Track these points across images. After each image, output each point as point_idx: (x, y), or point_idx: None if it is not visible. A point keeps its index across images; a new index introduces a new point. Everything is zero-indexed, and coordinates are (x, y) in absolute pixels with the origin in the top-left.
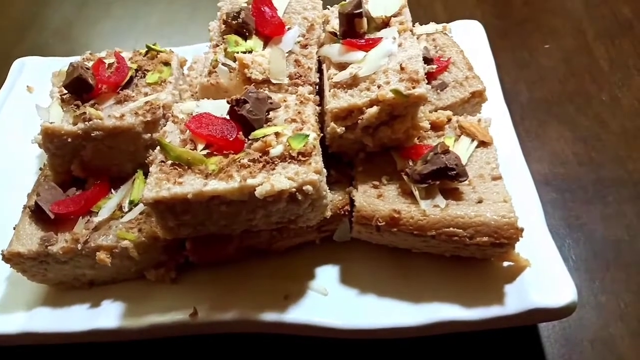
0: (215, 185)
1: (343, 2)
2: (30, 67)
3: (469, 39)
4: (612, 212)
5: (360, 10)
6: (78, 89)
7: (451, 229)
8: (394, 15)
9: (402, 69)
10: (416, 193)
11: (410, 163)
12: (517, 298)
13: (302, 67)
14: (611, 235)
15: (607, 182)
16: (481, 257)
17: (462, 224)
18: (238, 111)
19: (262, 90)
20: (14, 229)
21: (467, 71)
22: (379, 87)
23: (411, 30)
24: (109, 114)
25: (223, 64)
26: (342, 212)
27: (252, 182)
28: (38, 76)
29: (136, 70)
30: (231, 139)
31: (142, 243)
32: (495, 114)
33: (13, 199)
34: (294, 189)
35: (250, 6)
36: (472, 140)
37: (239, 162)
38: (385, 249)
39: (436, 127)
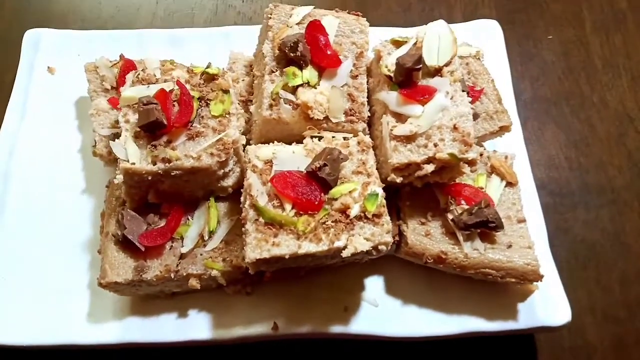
0: (308, 247)
1: (397, 38)
2: (46, 41)
3: (485, 40)
4: (592, 217)
5: (420, 65)
6: (152, 129)
7: (487, 269)
8: (446, 64)
9: (455, 128)
10: (460, 238)
11: (451, 200)
12: (527, 315)
13: (355, 102)
14: (589, 238)
15: (591, 187)
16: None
17: (496, 267)
18: (319, 174)
19: (335, 149)
20: (99, 252)
21: (497, 104)
22: (435, 145)
23: (461, 81)
24: (185, 154)
25: (285, 101)
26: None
27: (338, 244)
28: (55, 52)
29: (199, 99)
30: (316, 203)
31: (228, 271)
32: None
33: (53, 188)
34: (370, 248)
35: (303, 32)
36: (502, 180)
37: (324, 223)
38: (421, 265)
39: (471, 163)
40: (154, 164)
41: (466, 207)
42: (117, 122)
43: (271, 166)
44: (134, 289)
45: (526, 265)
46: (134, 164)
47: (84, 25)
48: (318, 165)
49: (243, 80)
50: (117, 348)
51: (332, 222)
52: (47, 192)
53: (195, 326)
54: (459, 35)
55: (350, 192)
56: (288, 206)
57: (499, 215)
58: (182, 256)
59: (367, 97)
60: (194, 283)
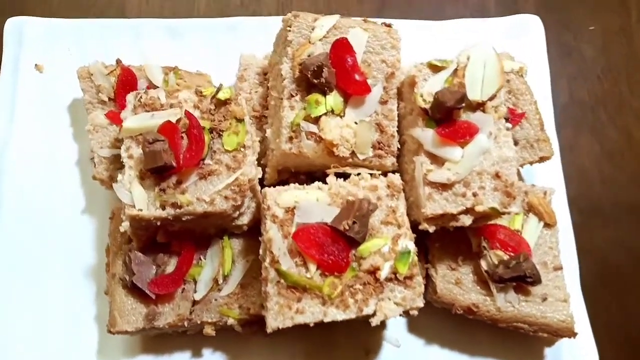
0: (334, 314)
1: (435, 62)
2: (31, 32)
3: (525, 38)
4: (620, 237)
5: (463, 105)
6: (160, 171)
7: (519, 323)
8: (490, 99)
9: (497, 175)
10: (494, 290)
11: (484, 243)
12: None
13: (385, 134)
14: (614, 260)
15: (622, 205)
16: None
17: (529, 322)
18: (347, 233)
19: (364, 202)
20: (106, 293)
21: (539, 130)
22: (474, 194)
23: (506, 119)
24: (197, 197)
25: (307, 134)
26: None
27: (367, 311)
28: (43, 46)
29: (210, 131)
30: (344, 263)
31: (244, 319)
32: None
33: (49, 209)
34: (400, 314)
35: (327, 50)
36: (539, 221)
37: (352, 287)
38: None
39: None
40: (163, 208)
41: (500, 252)
42: (117, 140)
43: (293, 215)
44: (145, 332)
45: (561, 322)
46: (141, 210)
47: (70, 11)
48: (347, 227)
49: (256, 91)
50: None
51: (361, 285)
52: (43, 214)
53: None
54: (495, 32)
55: (378, 250)
56: (312, 267)
57: (537, 270)
58: (195, 302)
59: (397, 125)
60: (209, 331)
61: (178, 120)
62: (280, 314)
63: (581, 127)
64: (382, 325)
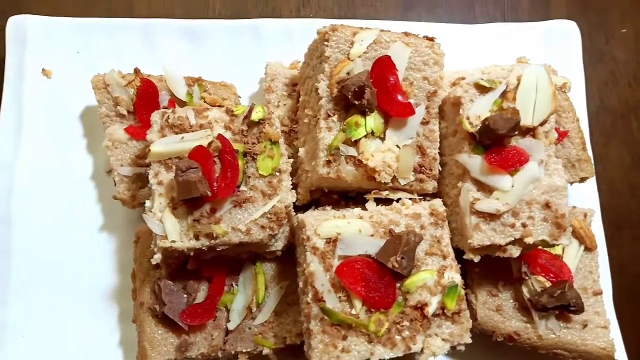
0: (381, 352)
1: (482, 83)
2: (35, 32)
3: (560, 44)
4: None
5: (516, 132)
6: (194, 199)
7: (560, 350)
8: (541, 124)
9: (547, 205)
10: (536, 318)
11: (525, 268)
12: None
13: (426, 157)
14: None
15: None
16: None
17: (569, 349)
18: (395, 270)
19: (410, 235)
20: (134, 321)
21: (580, 150)
22: (523, 225)
23: (559, 140)
24: (233, 227)
25: (346, 158)
26: None
27: (415, 348)
28: (48, 47)
29: (244, 155)
30: (390, 299)
31: (279, 348)
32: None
33: (65, 229)
34: (448, 350)
35: (368, 69)
36: (580, 245)
37: (398, 324)
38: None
39: None
40: (197, 238)
41: (541, 278)
42: (138, 157)
43: (334, 246)
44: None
45: (602, 349)
46: (174, 241)
47: (75, 8)
48: (396, 263)
49: (284, 104)
50: None
51: (407, 321)
52: (58, 234)
53: None
54: (529, 37)
55: (424, 284)
56: (358, 303)
57: (581, 299)
58: (227, 332)
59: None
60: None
61: (209, 143)
62: (325, 353)
63: (611, 136)
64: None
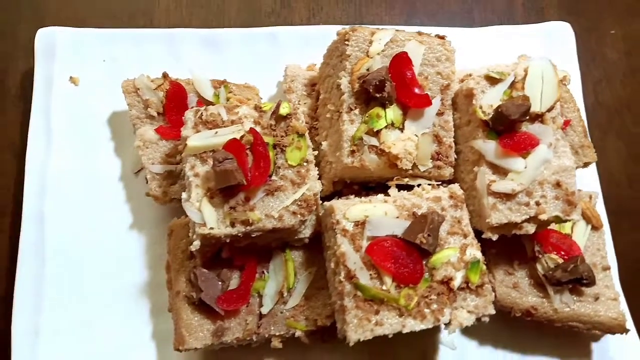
0: (412, 325)
1: (492, 74)
2: (63, 43)
3: (556, 45)
4: None
5: (527, 118)
6: (230, 189)
7: (574, 322)
8: (548, 110)
9: (558, 184)
10: (551, 293)
11: (537, 247)
12: (601, 356)
13: (442, 145)
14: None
15: None
16: None
17: (583, 320)
18: (423, 246)
19: (434, 215)
20: (169, 310)
21: (583, 137)
22: (537, 204)
23: (563, 128)
24: (266, 214)
25: (369, 148)
26: None
27: (443, 320)
28: (76, 57)
29: (274, 147)
30: (419, 275)
31: (310, 330)
32: None
33: (94, 228)
34: (474, 321)
35: (387, 64)
36: (587, 224)
37: (427, 297)
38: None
39: None
40: (233, 226)
41: (554, 255)
42: (168, 155)
43: (362, 229)
44: (211, 347)
45: (613, 319)
46: (212, 228)
47: (97, 19)
48: (424, 240)
49: (305, 103)
50: None
51: (435, 295)
52: (89, 232)
53: None
54: (526, 39)
55: (448, 260)
56: (388, 280)
57: (593, 272)
58: (261, 316)
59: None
60: (276, 344)
61: (241, 137)
62: (360, 327)
63: (607, 130)
64: (437, 329)
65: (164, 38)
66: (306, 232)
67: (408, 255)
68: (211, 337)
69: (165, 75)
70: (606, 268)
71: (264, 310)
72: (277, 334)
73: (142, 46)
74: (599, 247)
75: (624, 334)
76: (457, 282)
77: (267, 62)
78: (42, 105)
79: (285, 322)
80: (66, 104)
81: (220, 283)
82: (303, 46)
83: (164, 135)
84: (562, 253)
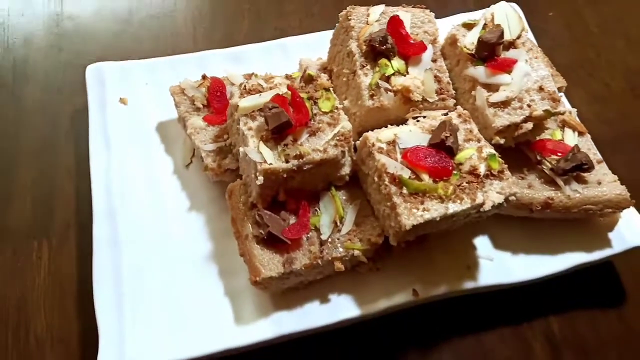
0: (454, 207)
1: (468, 21)
2: (110, 74)
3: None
4: (630, 160)
5: (503, 40)
6: (280, 130)
7: (588, 206)
8: (517, 37)
9: (541, 88)
10: (560, 183)
11: (538, 156)
12: (619, 241)
13: (442, 82)
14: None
15: (622, 135)
16: (592, 217)
17: (594, 202)
18: (446, 144)
19: (450, 121)
20: (241, 255)
21: (550, 68)
22: (528, 106)
23: (534, 48)
24: (313, 148)
25: (385, 89)
26: None
27: (479, 200)
28: (122, 84)
29: (308, 99)
30: (450, 169)
31: (367, 249)
32: None
33: (159, 213)
34: (503, 200)
35: (384, 27)
36: (574, 131)
37: (459, 186)
38: (514, 218)
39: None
40: (287, 161)
41: (554, 157)
42: (217, 137)
43: (394, 146)
44: (281, 283)
45: (619, 195)
46: (271, 164)
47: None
48: (445, 136)
49: None
50: (267, 345)
51: (467, 183)
52: (156, 218)
53: (341, 307)
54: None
55: (470, 156)
56: (425, 176)
57: (589, 157)
58: (322, 243)
59: None
60: (339, 265)
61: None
62: (411, 215)
63: (569, 84)
64: (473, 247)
65: (195, 59)
66: (346, 170)
67: (438, 154)
68: (282, 266)
69: (204, 77)
70: (600, 161)
71: (324, 237)
72: (338, 255)
73: (176, 69)
74: (589, 148)
75: (631, 206)
76: (482, 170)
77: (281, 67)
78: (98, 122)
79: (344, 245)
80: (119, 119)
81: (282, 221)
82: (309, 50)
83: (210, 122)
84: (560, 154)
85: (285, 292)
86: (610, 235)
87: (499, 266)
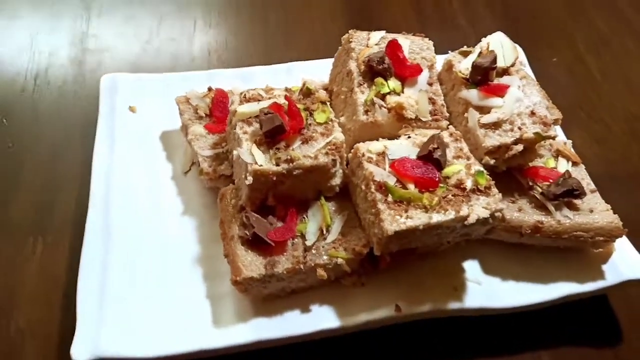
0: (437, 217)
1: (464, 49)
2: (123, 84)
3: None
4: (630, 196)
5: (496, 65)
6: (273, 134)
7: (579, 232)
8: (511, 65)
9: (532, 113)
10: (551, 208)
11: (530, 182)
12: (613, 273)
13: (436, 104)
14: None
15: (619, 176)
16: (584, 247)
17: (585, 229)
18: (433, 156)
19: (440, 135)
20: (226, 256)
21: (546, 100)
22: (519, 128)
23: (527, 77)
24: (304, 154)
25: (379, 105)
26: None
27: (463, 213)
28: (134, 94)
29: (304, 110)
30: (436, 179)
31: (351, 259)
32: None
33: (154, 214)
34: (489, 215)
35: (383, 50)
36: (568, 161)
37: (445, 197)
38: (505, 244)
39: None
40: (277, 164)
41: (545, 183)
42: (215, 144)
43: (383, 157)
44: (262, 286)
45: (610, 223)
46: (261, 165)
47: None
48: (433, 148)
49: None
50: (245, 351)
51: (452, 196)
52: (149, 219)
53: (322, 317)
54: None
55: (458, 171)
56: (411, 186)
57: (581, 184)
58: (306, 249)
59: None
60: (321, 272)
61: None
62: (394, 221)
63: (569, 125)
64: (462, 268)
65: (205, 77)
66: (337, 180)
67: (424, 165)
68: (264, 268)
69: (209, 89)
70: (593, 191)
71: (308, 242)
72: (322, 262)
73: (186, 83)
74: (582, 177)
75: (623, 235)
76: (468, 185)
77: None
78: (106, 127)
79: (328, 253)
80: (126, 126)
81: (269, 225)
82: (311, 74)
83: (211, 130)
84: (551, 181)
85: (267, 298)
86: (604, 267)
87: (487, 290)
